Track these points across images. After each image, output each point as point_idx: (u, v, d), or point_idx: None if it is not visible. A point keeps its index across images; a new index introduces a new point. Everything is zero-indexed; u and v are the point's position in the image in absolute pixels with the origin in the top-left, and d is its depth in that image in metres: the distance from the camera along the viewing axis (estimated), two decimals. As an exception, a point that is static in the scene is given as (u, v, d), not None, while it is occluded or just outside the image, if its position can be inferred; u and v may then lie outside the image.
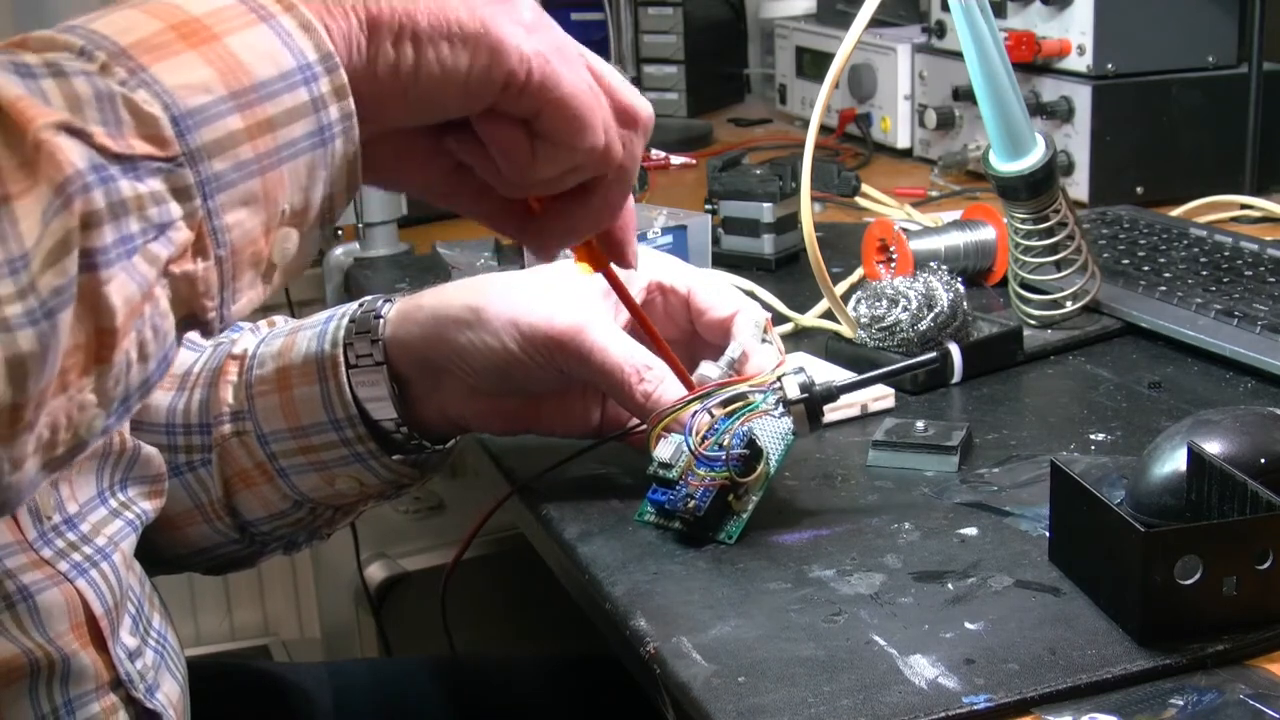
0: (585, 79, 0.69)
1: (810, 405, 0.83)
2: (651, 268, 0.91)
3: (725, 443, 0.80)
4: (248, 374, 0.90)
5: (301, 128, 0.58)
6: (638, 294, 0.89)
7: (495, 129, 0.68)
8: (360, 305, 0.89)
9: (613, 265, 0.81)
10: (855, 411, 0.99)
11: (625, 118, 0.71)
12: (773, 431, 0.84)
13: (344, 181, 0.61)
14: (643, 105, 0.72)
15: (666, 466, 0.81)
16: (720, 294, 0.91)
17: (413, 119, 0.66)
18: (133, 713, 0.77)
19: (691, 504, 0.80)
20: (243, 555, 0.96)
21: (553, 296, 0.86)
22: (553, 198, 0.73)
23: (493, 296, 0.86)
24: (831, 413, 0.97)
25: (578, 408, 0.91)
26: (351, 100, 0.60)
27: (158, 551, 0.92)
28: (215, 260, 0.56)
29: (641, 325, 0.84)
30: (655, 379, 0.84)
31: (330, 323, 0.89)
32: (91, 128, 0.52)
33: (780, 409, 0.83)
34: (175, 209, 0.54)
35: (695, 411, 0.81)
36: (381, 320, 0.87)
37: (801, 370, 0.84)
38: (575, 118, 0.68)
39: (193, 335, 0.94)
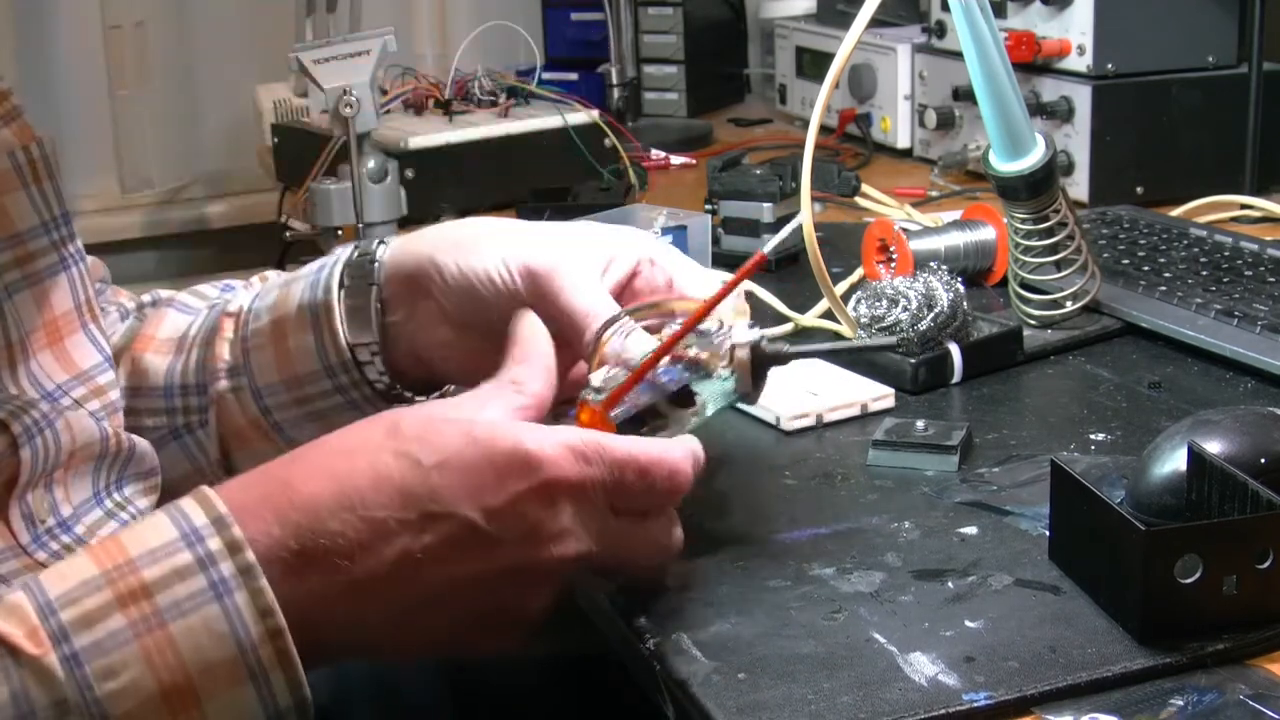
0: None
1: (756, 359, 0.79)
2: (642, 244, 0.88)
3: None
4: (244, 329, 0.89)
5: None
6: (627, 269, 0.86)
7: None
8: (356, 248, 0.88)
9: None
10: (855, 411, 0.99)
11: None
12: (714, 392, 0.80)
13: None
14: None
15: (597, 391, 0.77)
16: (706, 286, 0.86)
17: None
18: None
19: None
20: None
21: (547, 237, 0.84)
22: None
23: (494, 229, 0.86)
24: (831, 413, 0.97)
25: None
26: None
27: None
28: None
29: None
30: (618, 331, 0.80)
31: (324, 271, 0.88)
32: None
33: (727, 366, 0.79)
34: None
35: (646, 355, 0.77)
36: (378, 264, 0.87)
37: (756, 326, 0.80)
38: None
39: (185, 297, 0.95)
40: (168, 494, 0.91)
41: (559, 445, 0.68)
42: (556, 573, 0.69)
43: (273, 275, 0.95)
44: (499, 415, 0.70)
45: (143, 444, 0.84)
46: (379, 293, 0.86)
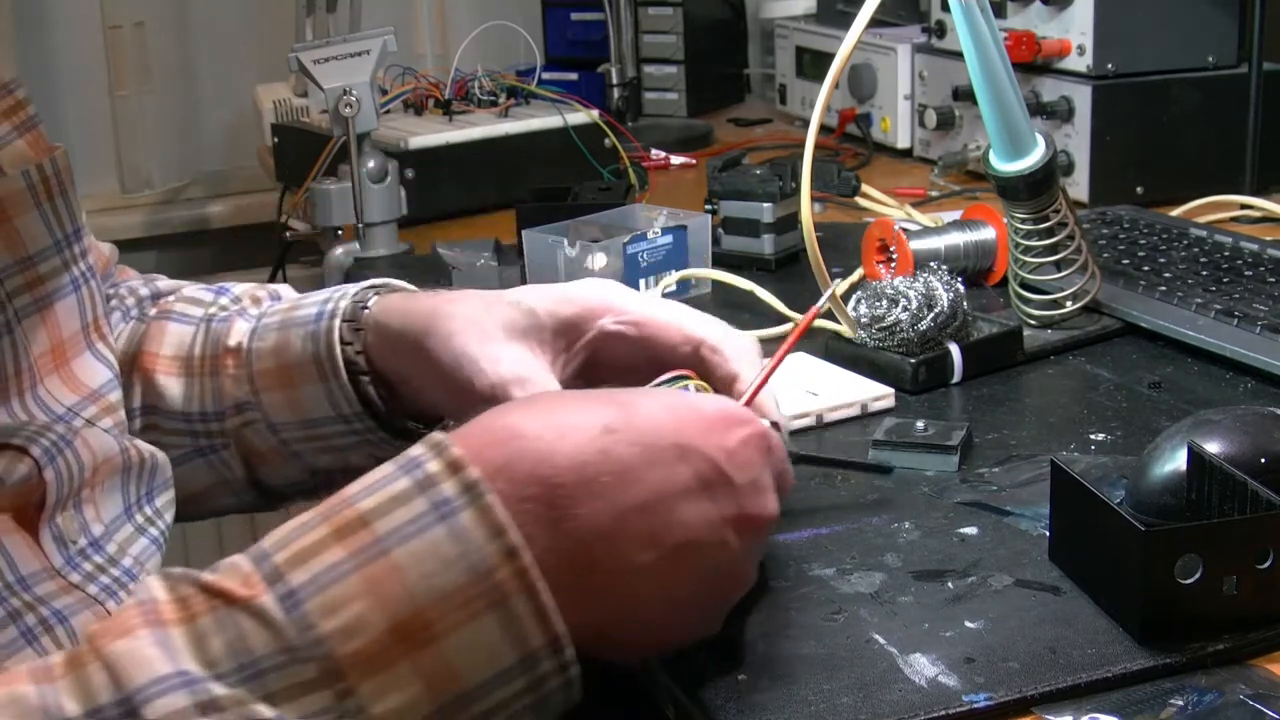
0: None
1: None
2: (697, 329, 0.82)
3: None
4: (248, 368, 0.89)
5: None
6: (678, 352, 0.81)
7: None
8: (353, 297, 0.88)
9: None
10: (855, 411, 0.99)
11: None
12: None
13: None
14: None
15: None
16: (740, 360, 0.81)
17: None
18: None
19: None
20: (265, 506, 0.97)
21: (492, 349, 0.80)
22: None
23: (436, 340, 0.82)
24: (831, 412, 0.97)
25: None
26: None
27: (182, 512, 0.91)
28: None
29: None
30: None
31: (321, 322, 0.88)
32: None
33: None
34: None
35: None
36: (363, 332, 0.86)
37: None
38: None
39: (183, 306, 0.94)
40: (189, 503, 0.91)
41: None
42: (765, 533, 0.68)
43: (265, 299, 0.95)
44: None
45: (160, 455, 0.84)
46: (367, 356, 0.86)
